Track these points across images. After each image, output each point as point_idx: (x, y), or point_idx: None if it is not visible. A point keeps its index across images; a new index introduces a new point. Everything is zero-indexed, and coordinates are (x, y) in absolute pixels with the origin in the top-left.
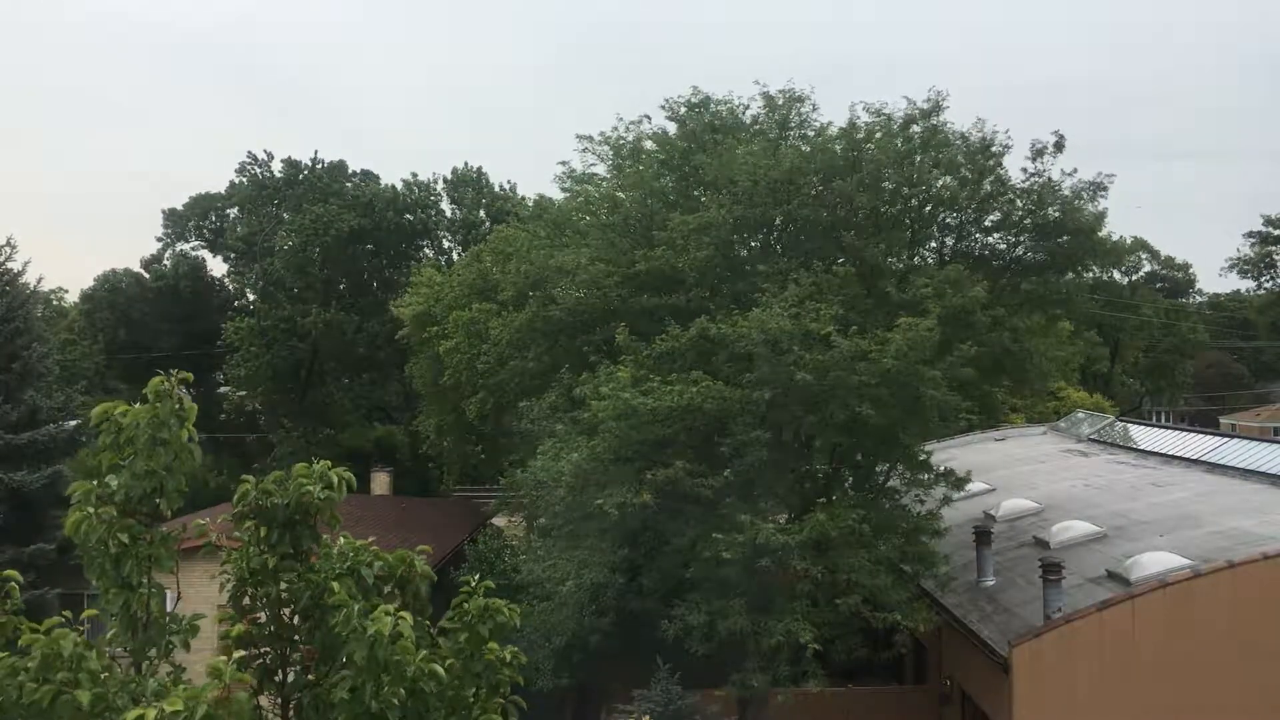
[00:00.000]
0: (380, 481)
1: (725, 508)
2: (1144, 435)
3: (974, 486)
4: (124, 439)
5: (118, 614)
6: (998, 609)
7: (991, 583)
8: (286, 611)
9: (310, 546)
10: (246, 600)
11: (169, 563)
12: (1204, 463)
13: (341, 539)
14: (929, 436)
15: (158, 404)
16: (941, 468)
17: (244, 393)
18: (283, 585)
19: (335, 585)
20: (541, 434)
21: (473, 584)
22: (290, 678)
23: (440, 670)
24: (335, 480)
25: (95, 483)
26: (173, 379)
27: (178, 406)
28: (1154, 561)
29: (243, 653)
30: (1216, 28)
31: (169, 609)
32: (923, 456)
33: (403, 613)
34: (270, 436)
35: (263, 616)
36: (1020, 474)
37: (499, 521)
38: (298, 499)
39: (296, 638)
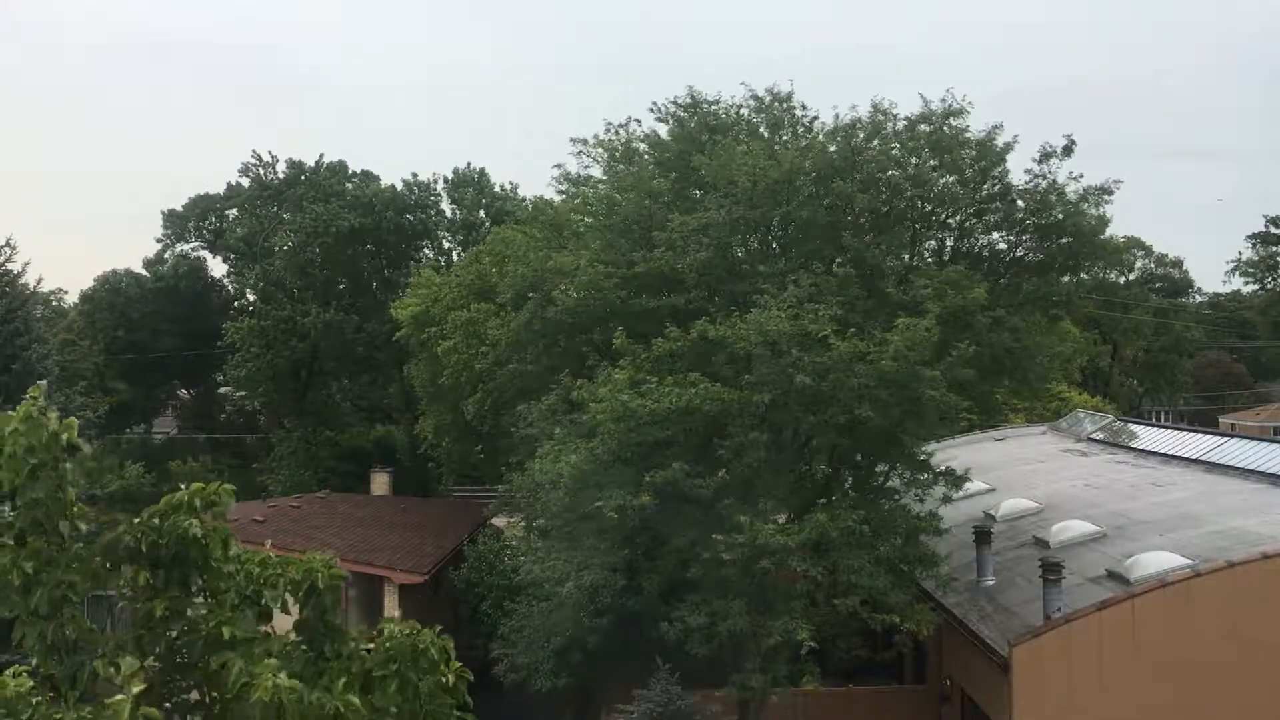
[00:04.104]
0: (380, 482)
1: (724, 508)
2: (1144, 435)
3: (974, 486)
4: (3, 459)
5: (36, 644)
6: (998, 609)
7: (991, 583)
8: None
9: (199, 582)
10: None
11: (84, 587)
12: (1204, 462)
13: (233, 564)
14: (929, 437)
15: (26, 432)
16: (942, 467)
17: (244, 393)
18: (172, 634)
19: (225, 631)
20: (540, 437)
21: (393, 623)
22: None
23: (355, 700)
24: (218, 501)
25: None
26: (39, 399)
27: (52, 429)
28: (1154, 561)
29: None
30: (1216, 27)
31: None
32: (923, 457)
33: (273, 662)
34: (270, 436)
35: (159, 667)
36: (1020, 474)
37: (499, 522)
38: (176, 538)
39: (200, 687)
